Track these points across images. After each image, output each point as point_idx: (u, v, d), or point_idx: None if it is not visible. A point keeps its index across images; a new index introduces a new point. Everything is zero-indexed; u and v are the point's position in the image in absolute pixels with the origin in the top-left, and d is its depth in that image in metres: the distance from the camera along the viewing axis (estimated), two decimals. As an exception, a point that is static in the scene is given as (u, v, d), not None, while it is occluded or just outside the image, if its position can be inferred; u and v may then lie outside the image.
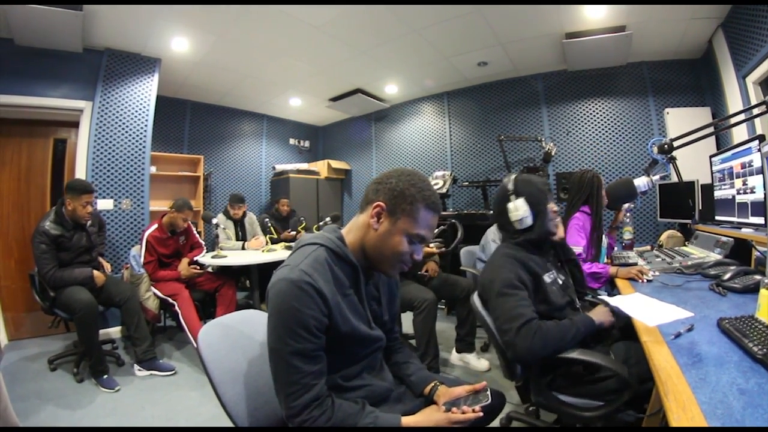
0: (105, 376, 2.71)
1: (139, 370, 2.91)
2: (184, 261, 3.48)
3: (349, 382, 1.07)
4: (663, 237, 3.05)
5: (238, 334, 1.20)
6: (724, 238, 2.19)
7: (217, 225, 3.85)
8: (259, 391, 1.11)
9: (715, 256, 2.15)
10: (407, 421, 1.02)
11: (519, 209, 1.55)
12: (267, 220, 4.30)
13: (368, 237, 1.05)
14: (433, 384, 1.21)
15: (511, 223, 1.58)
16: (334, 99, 5.76)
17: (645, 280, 1.92)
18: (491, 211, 1.56)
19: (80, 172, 3.73)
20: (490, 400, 1.08)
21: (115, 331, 3.78)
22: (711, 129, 2.55)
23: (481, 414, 1.03)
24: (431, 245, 2.88)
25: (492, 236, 3.29)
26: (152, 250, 3.33)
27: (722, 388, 0.80)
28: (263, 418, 1.09)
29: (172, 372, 2.93)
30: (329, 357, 0.98)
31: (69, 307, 2.69)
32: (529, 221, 1.55)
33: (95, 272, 2.92)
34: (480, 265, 3.45)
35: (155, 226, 3.38)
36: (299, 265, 0.96)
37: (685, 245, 2.75)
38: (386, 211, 1.03)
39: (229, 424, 1.03)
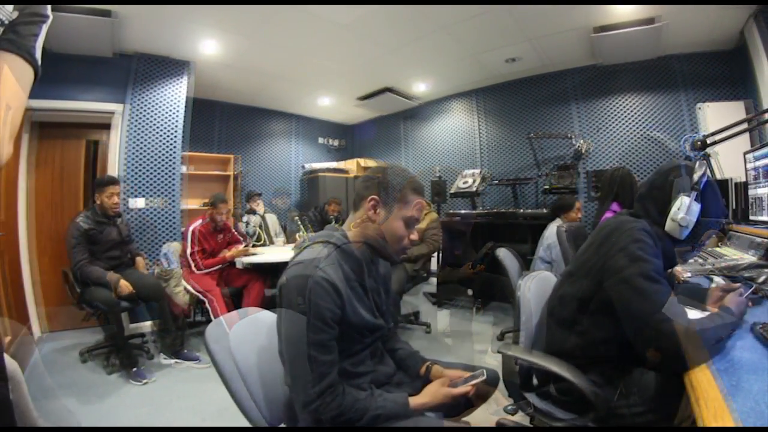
0: (134, 369, 2.80)
1: (165, 358, 3.03)
2: (234, 249, 3.64)
3: (356, 368, 1.15)
4: (696, 237, 2.94)
5: (246, 331, 1.24)
6: (759, 239, 2.10)
7: (246, 223, 3.96)
8: (267, 384, 1.16)
9: (749, 258, 2.06)
10: (414, 401, 1.12)
11: (687, 211, 1.30)
12: (297, 218, 4.20)
13: (369, 229, 1.16)
14: (426, 365, 1.33)
15: (664, 213, 1.33)
16: (364, 98, 5.79)
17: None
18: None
19: (113, 172, 3.84)
20: (485, 377, 1.18)
21: (145, 326, 3.89)
22: (746, 124, 2.44)
23: (472, 391, 1.15)
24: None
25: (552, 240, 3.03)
26: (198, 243, 3.46)
27: (755, 395, 0.77)
28: (276, 410, 1.15)
29: (197, 361, 3.02)
30: (339, 345, 1.06)
31: (91, 305, 2.82)
32: (688, 231, 1.33)
33: (120, 282, 2.85)
34: (541, 265, 3.19)
35: (200, 221, 3.52)
36: (313, 262, 1.05)
37: (718, 246, 2.66)
38: (381, 202, 1.15)
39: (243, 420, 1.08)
